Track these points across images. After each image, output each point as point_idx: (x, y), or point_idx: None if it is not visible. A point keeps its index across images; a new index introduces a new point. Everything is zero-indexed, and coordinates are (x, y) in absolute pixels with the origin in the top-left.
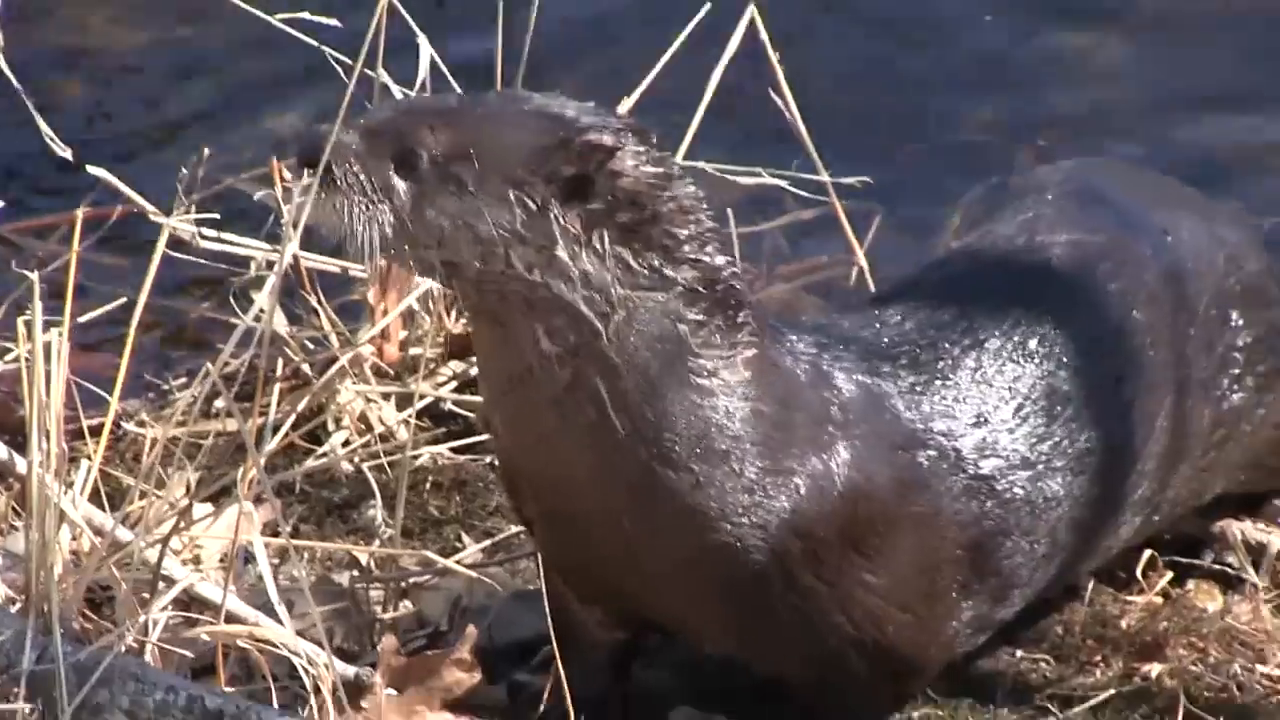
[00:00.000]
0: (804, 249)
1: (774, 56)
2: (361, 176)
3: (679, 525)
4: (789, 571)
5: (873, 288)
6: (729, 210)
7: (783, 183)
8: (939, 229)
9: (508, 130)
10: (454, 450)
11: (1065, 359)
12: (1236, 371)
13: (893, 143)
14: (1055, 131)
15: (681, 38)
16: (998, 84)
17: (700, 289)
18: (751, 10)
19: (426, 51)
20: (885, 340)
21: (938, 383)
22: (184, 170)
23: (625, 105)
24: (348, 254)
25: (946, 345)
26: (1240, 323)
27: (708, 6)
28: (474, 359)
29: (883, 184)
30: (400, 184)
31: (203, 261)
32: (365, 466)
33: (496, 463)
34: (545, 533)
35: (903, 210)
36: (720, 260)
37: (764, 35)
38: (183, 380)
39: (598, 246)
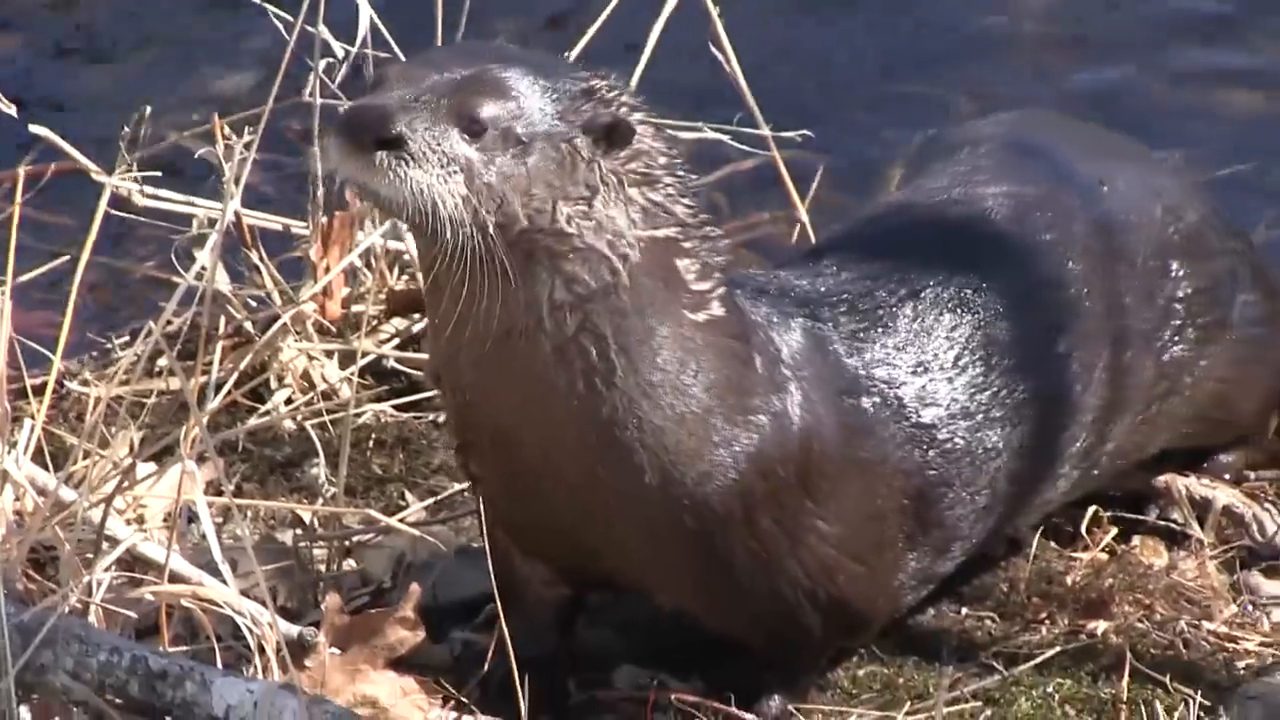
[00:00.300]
0: (745, 206)
1: (714, 10)
2: (437, 147)
3: (655, 467)
4: (751, 513)
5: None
6: None
7: (724, 137)
8: (880, 183)
9: (546, 88)
10: (397, 408)
11: (1001, 309)
12: (1178, 323)
13: (834, 97)
14: (994, 84)
15: None
16: (939, 37)
17: (691, 223)
18: None
19: (366, 11)
20: (823, 288)
21: (877, 330)
22: (126, 128)
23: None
24: (425, 228)
25: (883, 294)
26: (1181, 274)
27: None
28: (417, 315)
29: (824, 138)
30: (469, 151)
31: (145, 220)
32: (308, 424)
33: (445, 419)
34: (501, 489)
35: (845, 164)
36: (699, 201)
37: None
38: (125, 339)
39: (623, 191)
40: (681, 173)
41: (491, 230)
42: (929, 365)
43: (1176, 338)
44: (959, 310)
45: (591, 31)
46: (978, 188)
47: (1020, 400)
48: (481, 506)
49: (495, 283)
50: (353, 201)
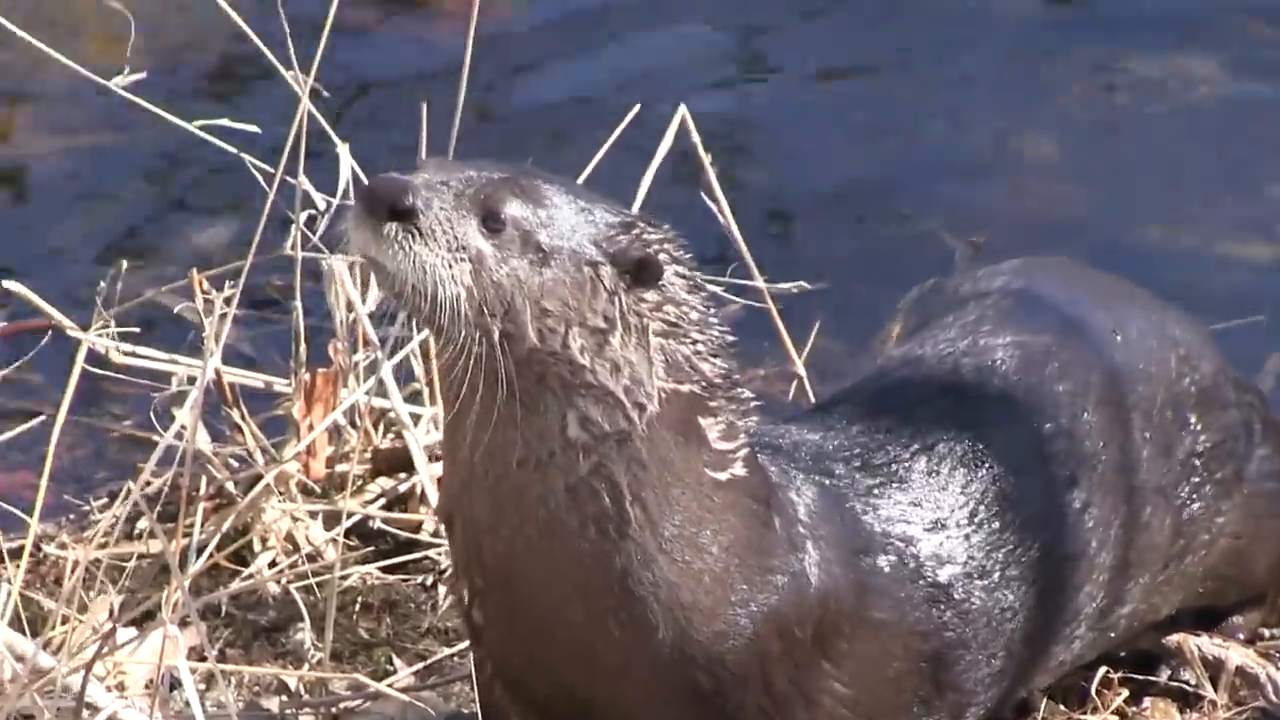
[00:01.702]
0: (740, 359)
1: (706, 158)
2: (450, 228)
3: (669, 622)
4: (766, 673)
5: (812, 398)
6: None
7: (718, 289)
8: (879, 336)
9: (582, 209)
10: (384, 570)
11: (1015, 464)
12: (1196, 479)
13: (831, 246)
14: (994, 229)
15: (611, 139)
16: (937, 182)
17: (719, 383)
18: (683, 111)
19: (347, 161)
20: (835, 444)
21: (891, 487)
22: (103, 284)
23: None
24: (424, 314)
25: (896, 450)
26: (1198, 427)
27: (637, 107)
28: (403, 475)
29: (821, 289)
30: (483, 244)
31: (123, 377)
32: (293, 588)
33: (450, 565)
34: (504, 636)
35: (842, 316)
36: (732, 363)
37: (695, 136)
38: (104, 500)
39: (646, 337)
40: (716, 332)
41: (498, 337)
42: (944, 523)
43: (1194, 494)
44: (973, 465)
45: (580, 181)
46: (987, 338)
47: (1036, 558)
48: (477, 663)
49: (504, 401)
50: (336, 358)
